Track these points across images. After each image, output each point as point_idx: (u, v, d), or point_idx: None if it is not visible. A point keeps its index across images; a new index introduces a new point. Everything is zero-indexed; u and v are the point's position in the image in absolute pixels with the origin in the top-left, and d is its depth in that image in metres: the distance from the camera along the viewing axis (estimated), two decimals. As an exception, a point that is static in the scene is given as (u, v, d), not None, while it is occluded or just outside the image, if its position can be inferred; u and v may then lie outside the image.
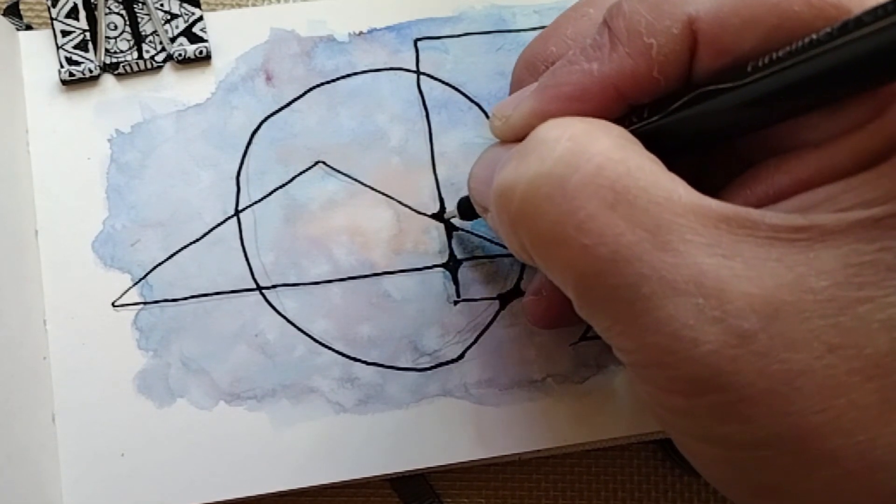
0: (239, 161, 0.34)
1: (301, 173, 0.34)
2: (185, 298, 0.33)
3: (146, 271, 0.33)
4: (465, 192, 0.34)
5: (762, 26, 0.21)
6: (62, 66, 0.34)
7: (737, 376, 0.20)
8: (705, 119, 0.23)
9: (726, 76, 0.22)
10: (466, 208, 0.32)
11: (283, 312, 0.33)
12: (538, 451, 0.33)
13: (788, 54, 0.20)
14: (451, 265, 0.34)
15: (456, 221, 0.34)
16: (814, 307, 0.19)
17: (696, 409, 0.21)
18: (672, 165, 0.22)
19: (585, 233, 0.21)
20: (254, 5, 0.36)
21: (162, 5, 0.35)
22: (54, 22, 0.34)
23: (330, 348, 0.33)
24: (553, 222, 0.21)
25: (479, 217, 0.30)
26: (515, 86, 0.29)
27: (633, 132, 0.23)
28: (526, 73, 0.28)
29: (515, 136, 0.25)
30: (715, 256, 0.20)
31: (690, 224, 0.20)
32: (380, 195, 0.34)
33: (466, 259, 0.34)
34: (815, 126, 0.22)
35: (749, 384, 0.20)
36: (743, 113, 0.22)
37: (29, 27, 0.35)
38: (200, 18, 0.35)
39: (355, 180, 0.34)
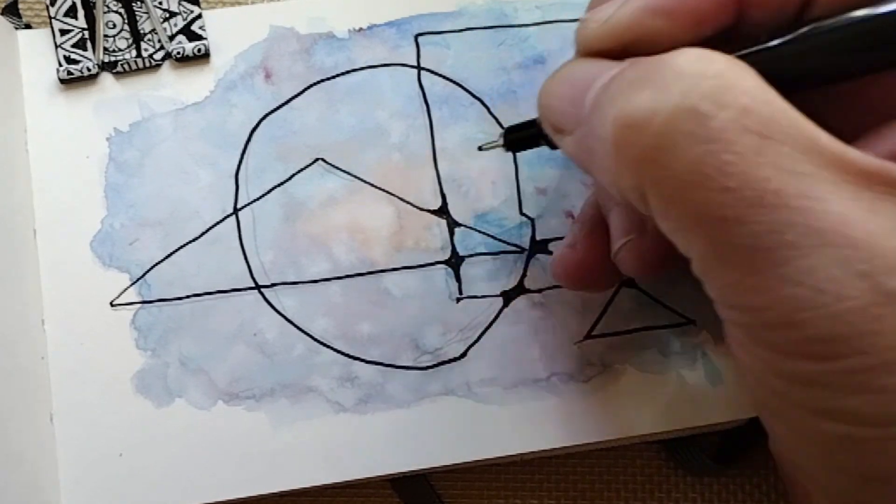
0: (238, 159, 0.34)
1: (300, 171, 0.34)
2: (184, 298, 0.33)
3: (145, 270, 0.33)
4: (467, 188, 0.34)
5: None
6: (61, 65, 0.34)
7: (880, 338, 0.18)
8: (832, 51, 0.21)
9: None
10: (519, 139, 0.29)
11: (282, 311, 0.33)
12: (541, 451, 0.32)
13: None
14: (454, 262, 0.34)
15: (460, 217, 0.33)
16: None
17: (827, 375, 0.19)
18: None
19: (729, 175, 0.19)
20: (253, 3, 0.36)
21: (160, 3, 0.34)
22: (53, 21, 0.34)
23: (330, 347, 0.33)
24: (693, 161, 0.20)
25: (529, 148, 0.28)
26: None
27: (754, 64, 0.21)
28: None
29: (616, 41, 0.23)
30: (861, 210, 0.19)
31: (835, 175, 0.19)
32: (380, 192, 0.34)
33: (469, 255, 0.34)
34: None
35: (891, 348, 0.18)
36: (878, 43, 0.21)
37: (27, 26, 0.35)
38: (199, 16, 0.35)
39: (355, 177, 0.34)
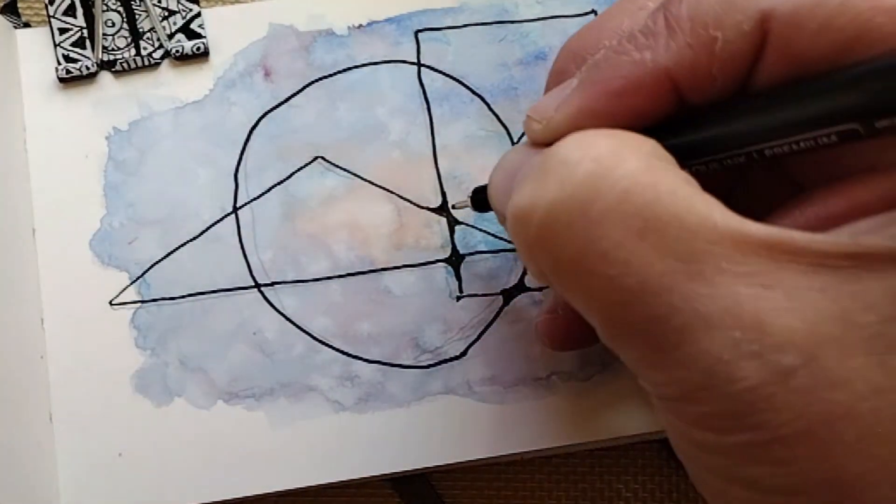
0: (237, 158, 0.34)
1: (300, 169, 0.34)
2: (183, 297, 0.33)
3: (144, 269, 0.33)
4: (467, 185, 0.34)
5: (841, 35, 0.20)
6: (59, 64, 0.34)
7: (773, 414, 0.18)
8: (752, 135, 0.21)
9: (785, 89, 0.20)
10: (481, 201, 0.30)
11: (281, 310, 0.33)
12: (542, 450, 0.32)
13: (868, 71, 0.18)
14: (454, 260, 0.33)
15: (460, 215, 0.33)
16: (859, 343, 0.18)
17: (727, 447, 0.20)
18: (710, 183, 0.20)
19: (611, 263, 0.19)
20: (251, 0, 0.36)
21: (159, 2, 0.34)
22: (51, 19, 0.34)
23: (329, 346, 0.33)
24: (576, 252, 0.20)
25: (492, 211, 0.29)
26: (555, 76, 0.27)
27: (667, 146, 0.21)
28: (572, 64, 0.26)
29: (558, 139, 0.23)
30: (753, 286, 0.18)
31: (726, 251, 0.19)
32: (380, 190, 0.34)
33: (469, 254, 0.33)
34: (883, 149, 0.21)
35: (786, 424, 0.18)
36: (796, 131, 0.20)
37: (26, 25, 0.35)
38: (198, 14, 0.34)
39: (355, 175, 0.34)
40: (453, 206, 0.33)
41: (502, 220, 0.26)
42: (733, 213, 0.19)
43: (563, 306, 0.28)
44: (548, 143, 0.23)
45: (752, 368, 0.18)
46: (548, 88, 0.28)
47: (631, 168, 0.20)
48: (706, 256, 0.19)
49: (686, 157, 0.21)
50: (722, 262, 0.19)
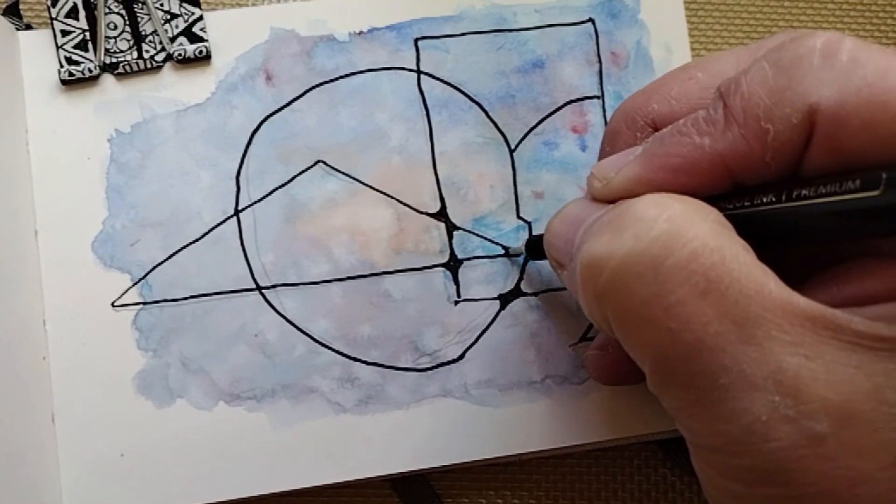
0: (239, 161, 0.34)
1: (301, 173, 0.34)
2: (185, 298, 0.33)
3: (146, 271, 0.33)
4: (465, 191, 0.34)
5: (883, 132, 0.21)
6: (62, 66, 0.34)
7: (801, 474, 0.20)
8: (804, 218, 0.22)
9: (832, 178, 0.21)
10: (536, 249, 0.32)
11: (282, 312, 0.33)
12: (538, 451, 0.33)
13: None
14: (452, 265, 0.34)
15: (458, 220, 0.34)
16: (887, 419, 0.19)
17: (754, 498, 0.21)
18: (760, 251, 0.22)
19: (673, 317, 0.21)
20: (254, 5, 0.36)
21: (162, 5, 0.35)
22: (54, 22, 0.34)
23: (330, 348, 0.33)
24: (641, 302, 0.21)
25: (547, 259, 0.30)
26: (610, 136, 0.29)
27: (729, 216, 0.22)
28: (624, 125, 0.28)
29: (614, 199, 0.25)
30: (797, 356, 0.20)
31: (777, 320, 0.20)
32: (380, 194, 0.34)
33: (467, 259, 0.34)
34: None
35: (811, 483, 0.20)
36: (843, 222, 0.21)
37: (29, 27, 0.35)
38: (200, 18, 0.35)
39: (355, 179, 0.34)
40: (510, 252, 0.34)
41: (556, 266, 0.28)
42: (784, 284, 0.21)
43: (613, 344, 0.30)
44: (607, 201, 0.25)
45: (786, 431, 0.20)
46: (602, 147, 0.29)
47: (701, 231, 0.21)
48: (759, 322, 0.20)
49: (740, 229, 0.23)
50: (772, 330, 0.20)
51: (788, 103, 0.22)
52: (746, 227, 0.22)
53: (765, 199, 0.22)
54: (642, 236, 0.21)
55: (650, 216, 0.22)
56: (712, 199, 0.23)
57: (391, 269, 0.34)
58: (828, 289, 0.23)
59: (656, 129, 0.27)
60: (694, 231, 0.21)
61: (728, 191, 0.24)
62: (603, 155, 0.29)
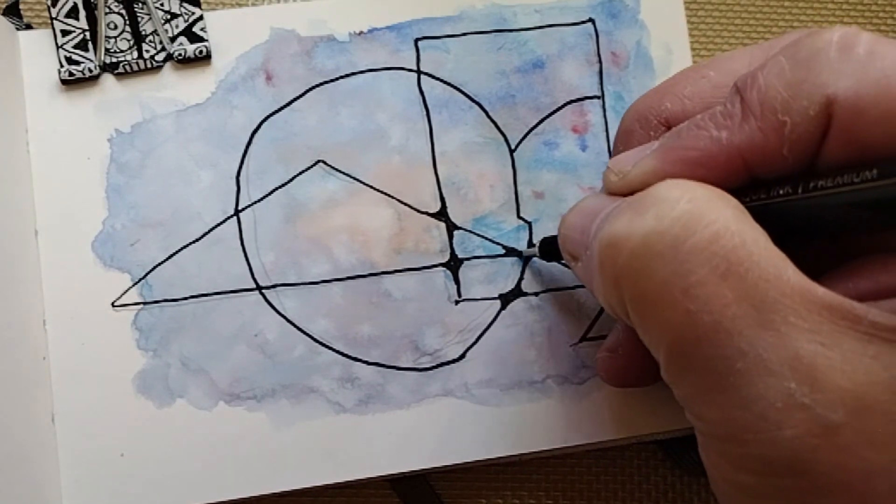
0: (239, 161, 0.34)
1: (301, 173, 0.34)
2: (185, 298, 0.33)
3: (146, 271, 0.33)
4: (465, 191, 0.34)
5: None
6: (62, 66, 0.34)
7: (815, 465, 0.20)
8: (820, 209, 0.22)
9: (849, 169, 0.21)
10: (549, 250, 0.32)
11: (282, 312, 0.33)
12: (539, 451, 0.33)
13: None
14: (453, 264, 0.34)
15: (458, 220, 0.34)
16: None
17: (766, 489, 0.21)
18: (777, 243, 0.22)
19: (692, 298, 0.21)
20: (254, 5, 0.36)
21: (162, 5, 0.35)
22: (54, 21, 0.34)
23: (330, 348, 0.33)
24: (661, 282, 0.21)
25: (562, 260, 0.29)
26: (623, 136, 0.29)
27: (748, 207, 0.22)
28: (637, 124, 0.28)
29: (630, 193, 0.25)
30: (814, 343, 0.20)
31: (795, 306, 0.20)
32: (380, 194, 0.34)
33: (467, 258, 0.34)
34: None
35: (825, 474, 0.20)
36: (860, 213, 0.21)
37: (29, 27, 0.35)
38: (200, 18, 0.35)
39: (356, 179, 0.34)
40: (523, 253, 0.34)
41: (572, 260, 0.28)
42: (801, 273, 0.21)
43: (624, 346, 0.30)
44: (623, 194, 0.25)
45: (800, 419, 0.20)
46: (614, 146, 0.30)
47: (723, 214, 0.21)
48: (777, 307, 0.20)
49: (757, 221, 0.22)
50: (790, 316, 0.20)
51: (806, 95, 0.22)
52: (763, 220, 0.22)
53: (781, 192, 0.22)
54: (664, 216, 0.21)
55: (673, 197, 0.22)
56: (729, 192, 0.23)
57: (391, 269, 0.34)
58: (843, 284, 0.23)
59: (669, 128, 0.27)
60: (716, 213, 0.21)
61: (745, 185, 0.23)
62: (616, 154, 0.29)
